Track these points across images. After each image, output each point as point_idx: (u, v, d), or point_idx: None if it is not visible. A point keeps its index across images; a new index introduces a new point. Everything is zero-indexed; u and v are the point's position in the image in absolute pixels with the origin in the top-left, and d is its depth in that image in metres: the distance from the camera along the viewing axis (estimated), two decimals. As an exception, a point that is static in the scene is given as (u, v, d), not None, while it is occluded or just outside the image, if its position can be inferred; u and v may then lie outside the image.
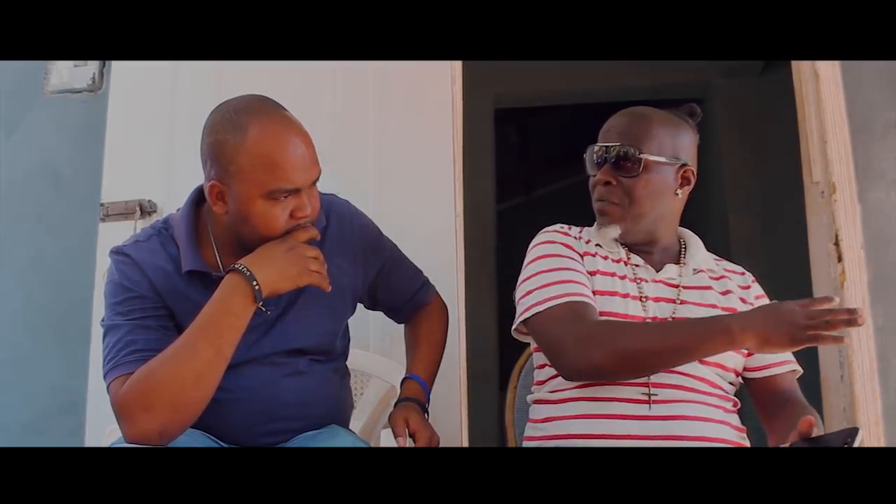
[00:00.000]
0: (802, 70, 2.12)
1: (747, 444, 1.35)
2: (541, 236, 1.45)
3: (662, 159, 1.38)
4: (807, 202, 2.12)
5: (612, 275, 1.38)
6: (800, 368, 1.44)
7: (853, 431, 1.03)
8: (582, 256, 1.40)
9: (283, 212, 1.26)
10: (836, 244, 2.00)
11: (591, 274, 1.38)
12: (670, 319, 1.35)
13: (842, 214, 2.01)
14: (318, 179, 1.31)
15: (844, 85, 2.07)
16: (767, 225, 3.58)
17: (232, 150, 1.24)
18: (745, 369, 1.41)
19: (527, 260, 1.42)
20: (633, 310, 1.35)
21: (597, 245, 1.43)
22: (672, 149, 1.39)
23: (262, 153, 1.23)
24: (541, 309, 1.32)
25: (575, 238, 1.44)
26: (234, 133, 1.24)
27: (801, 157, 2.14)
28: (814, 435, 1.08)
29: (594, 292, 1.35)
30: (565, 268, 1.36)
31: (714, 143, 3.77)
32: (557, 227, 1.47)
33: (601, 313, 1.32)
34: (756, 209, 3.65)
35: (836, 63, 2.06)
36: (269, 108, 1.29)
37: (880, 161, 2.05)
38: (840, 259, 1.99)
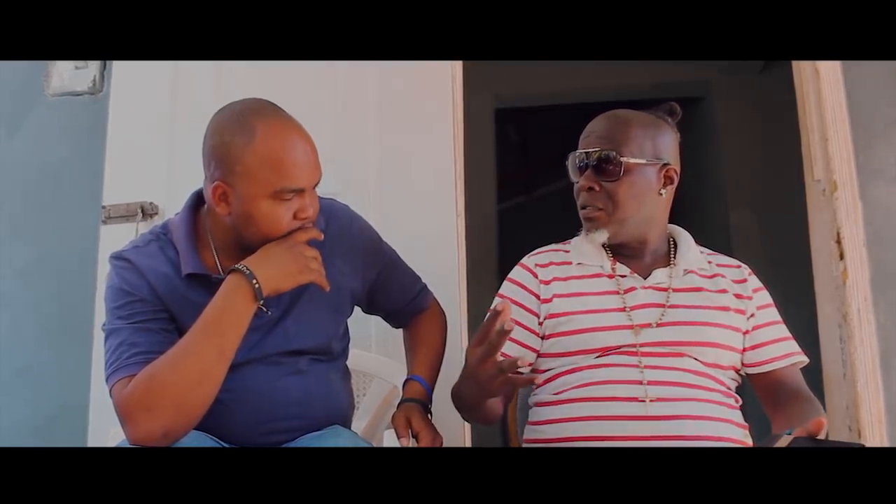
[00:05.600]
0: (803, 68, 2.12)
1: (750, 442, 1.34)
2: (512, 273, 1.49)
3: (643, 160, 1.39)
4: (808, 200, 2.13)
5: (589, 293, 1.40)
6: (805, 358, 1.43)
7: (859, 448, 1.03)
8: (548, 283, 1.42)
9: (287, 212, 1.27)
10: (838, 242, 2.01)
11: (562, 297, 1.40)
12: (654, 326, 1.35)
13: (843, 212, 2.01)
14: (318, 183, 1.32)
15: (845, 82, 2.07)
16: (768, 223, 3.57)
17: (239, 150, 1.24)
18: (744, 365, 1.41)
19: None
20: (615, 321, 1.35)
21: (578, 264, 1.44)
22: (653, 149, 1.40)
23: (270, 153, 1.24)
24: None
25: (542, 267, 1.45)
26: (241, 134, 1.25)
27: (801, 154, 2.14)
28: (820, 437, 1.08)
29: (570, 314, 1.37)
30: None
31: (715, 141, 3.76)
32: (528, 262, 1.49)
33: (582, 330, 1.36)
34: (757, 207, 3.64)
35: (837, 61, 2.06)
36: (274, 110, 1.30)
37: (881, 158, 2.05)
38: (842, 257, 1.99)
